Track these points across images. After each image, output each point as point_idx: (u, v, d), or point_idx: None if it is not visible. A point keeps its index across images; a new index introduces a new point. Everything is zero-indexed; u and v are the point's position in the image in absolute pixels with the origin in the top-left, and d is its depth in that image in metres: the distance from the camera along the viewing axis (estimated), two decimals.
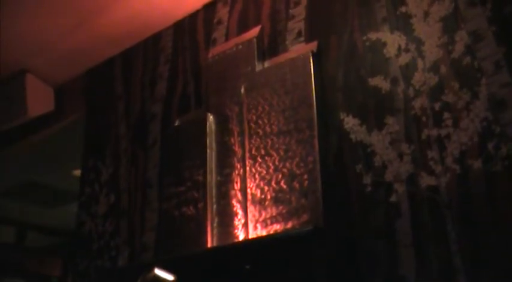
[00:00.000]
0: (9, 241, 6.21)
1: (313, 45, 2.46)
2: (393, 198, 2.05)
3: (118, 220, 3.01)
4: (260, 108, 2.48)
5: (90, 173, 3.31)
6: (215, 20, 2.98)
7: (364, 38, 2.34)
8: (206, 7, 3.06)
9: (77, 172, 3.69)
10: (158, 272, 2.41)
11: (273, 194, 2.32)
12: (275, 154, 2.36)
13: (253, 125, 2.47)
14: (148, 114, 3.11)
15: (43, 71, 3.66)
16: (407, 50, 2.19)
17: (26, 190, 5.35)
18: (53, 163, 4.70)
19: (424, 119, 2.06)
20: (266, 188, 2.34)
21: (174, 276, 2.38)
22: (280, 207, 2.28)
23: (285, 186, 2.29)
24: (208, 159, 2.58)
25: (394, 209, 2.03)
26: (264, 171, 2.37)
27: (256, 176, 2.39)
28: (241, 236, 2.36)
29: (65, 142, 4.13)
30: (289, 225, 2.23)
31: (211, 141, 2.61)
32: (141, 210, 2.92)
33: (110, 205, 3.09)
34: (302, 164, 2.27)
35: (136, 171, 3.04)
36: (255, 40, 2.64)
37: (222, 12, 2.97)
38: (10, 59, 3.53)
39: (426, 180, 1.99)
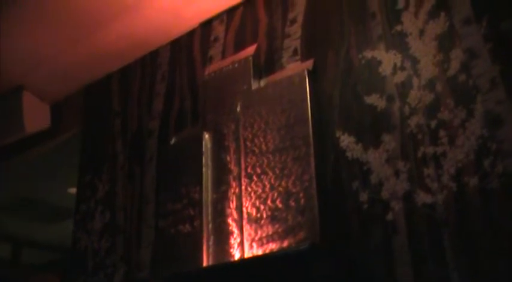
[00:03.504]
0: (4, 257, 6.18)
1: (309, 63, 2.46)
2: (390, 216, 2.04)
3: (114, 237, 3.00)
4: (256, 126, 2.48)
5: (86, 190, 3.30)
6: (212, 38, 2.99)
7: (360, 56, 2.35)
8: (203, 25, 3.07)
9: (73, 190, 3.69)
10: None
11: (269, 213, 2.31)
12: (271, 172, 2.36)
13: (249, 143, 2.47)
14: (145, 130, 3.11)
15: (40, 87, 3.66)
16: (402, 68, 2.20)
17: (22, 206, 5.33)
18: (49, 179, 4.69)
19: (420, 136, 2.07)
20: (262, 206, 2.34)
21: None
22: (276, 226, 2.27)
23: (280, 205, 2.28)
24: (204, 176, 2.57)
25: (391, 227, 2.03)
26: (260, 190, 2.36)
27: (252, 194, 2.38)
28: (237, 255, 2.35)
29: (61, 158, 4.12)
30: (286, 243, 2.22)
31: (207, 159, 2.61)
32: (137, 227, 2.91)
33: (106, 222, 3.08)
34: (298, 182, 2.26)
35: (132, 188, 3.03)
36: (251, 58, 2.65)
37: (219, 29, 2.98)
38: (7, 76, 3.53)
39: (422, 198, 1.99)
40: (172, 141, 2.86)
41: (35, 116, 3.69)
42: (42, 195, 5.06)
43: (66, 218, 5.08)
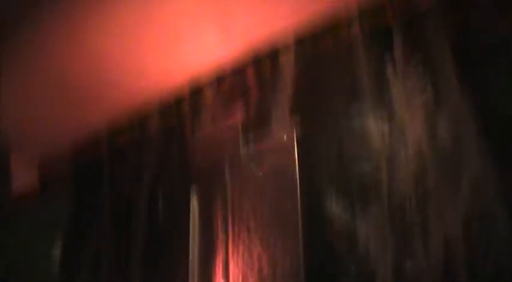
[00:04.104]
0: None
1: (298, 132, 2.48)
2: None
3: None
4: (245, 197, 2.47)
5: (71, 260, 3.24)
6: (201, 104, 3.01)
7: (348, 125, 2.36)
8: (192, 91, 3.09)
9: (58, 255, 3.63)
10: None
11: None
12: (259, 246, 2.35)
13: (237, 213, 2.46)
14: (135, 200, 3.06)
15: (28, 150, 3.65)
16: (391, 136, 2.21)
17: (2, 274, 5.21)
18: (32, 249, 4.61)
19: (408, 206, 2.06)
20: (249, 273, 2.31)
21: None
22: None
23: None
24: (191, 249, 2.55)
25: None
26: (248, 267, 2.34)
27: (240, 269, 2.36)
28: None
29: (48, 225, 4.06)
30: None
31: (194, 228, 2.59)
32: None
33: None
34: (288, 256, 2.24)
35: (118, 264, 2.97)
36: (240, 125, 2.66)
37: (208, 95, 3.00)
38: None
39: (411, 267, 1.97)
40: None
41: (23, 180, 3.67)
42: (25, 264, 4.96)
43: None
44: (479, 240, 1.86)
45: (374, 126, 2.28)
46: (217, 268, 2.43)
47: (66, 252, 3.32)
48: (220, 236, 2.48)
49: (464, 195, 1.94)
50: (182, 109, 3.11)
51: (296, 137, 2.45)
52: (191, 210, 2.62)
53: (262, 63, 2.84)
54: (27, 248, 4.70)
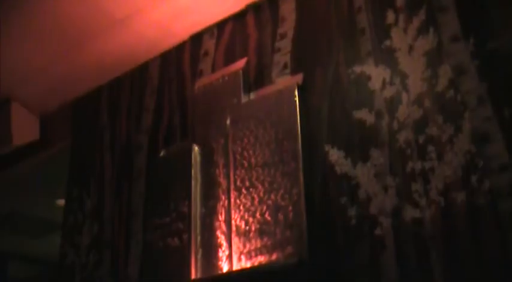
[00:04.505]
0: None
1: (299, 78, 2.47)
2: (378, 231, 2.04)
3: (101, 251, 2.98)
4: (246, 140, 2.48)
5: (74, 203, 3.28)
6: (202, 52, 3.00)
7: (349, 71, 2.36)
8: (193, 39, 3.08)
9: (61, 202, 3.66)
10: None
11: (258, 226, 2.31)
12: (260, 186, 2.36)
13: (238, 157, 2.48)
14: (134, 145, 3.10)
15: (29, 99, 3.65)
16: (392, 83, 2.21)
17: (8, 219, 5.28)
18: (36, 192, 4.66)
19: (408, 151, 2.07)
20: (251, 219, 2.34)
21: None
22: (265, 239, 2.27)
23: (269, 218, 2.29)
24: (193, 190, 2.57)
25: (379, 242, 2.03)
26: (249, 203, 2.37)
27: (241, 207, 2.38)
28: (225, 268, 2.35)
29: (49, 171, 4.09)
30: (274, 257, 2.22)
31: (196, 173, 2.61)
32: (125, 241, 2.89)
33: (94, 236, 3.06)
34: (287, 196, 2.27)
35: (120, 202, 3.02)
36: (241, 72, 2.66)
37: (209, 44, 2.99)
38: None
39: (411, 213, 1.99)
40: (161, 154, 2.86)
41: (24, 128, 3.68)
42: (30, 208, 5.02)
43: (54, 232, 5.04)
44: (479, 186, 1.88)
45: (375, 72, 2.28)
46: (219, 214, 2.45)
47: (68, 199, 3.35)
48: (222, 182, 2.50)
49: (464, 141, 1.95)
50: (182, 56, 3.10)
51: (297, 83, 2.44)
52: (192, 157, 2.63)
53: (262, 10, 2.82)
54: (29, 195, 4.77)
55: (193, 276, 2.41)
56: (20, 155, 3.78)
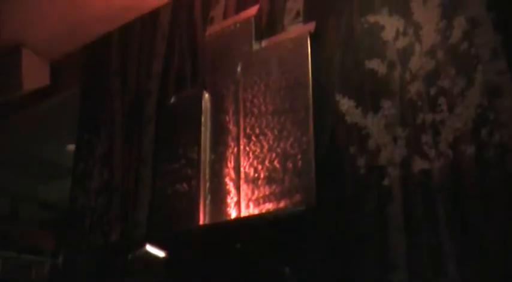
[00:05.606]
0: (2, 213, 6.21)
1: (311, 26, 2.45)
2: (386, 182, 2.05)
3: (111, 196, 3.01)
4: (256, 88, 2.47)
5: (85, 148, 3.30)
6: None
7: (362, 20, 2.33)
8: None
9: (72, 147, 3.69)
10: (150, 248, 2.43)
11: (266, 173, 2.32)
12: (270, 133, 2.37)
13: (248, 104, 2.47)
14: (144, 90, 3.10)
15: (39, 45, 3.65)
16: (405, 34, 2.19)
17: (20, 163, 5.34)
18: (47, 137, 4.69)
19: (419, 103, 2.07)
20: (260, 167, 2.35)
21: (165, 253, 2.40)
22: (273, 187, 2.28)
23: (278, 166, 2.30)
24: (202, 137, 2.58)
25: (387, 193, 2.04)
26: (258, 150, 2.37)
27: (250, 154, 2.39)
28: (233, 214, 2.37)
29: (60, 116, 4.12)
30: (282, 204, 2.24)
31: (206, 119, 2.61)
32: (135, 186, 2.92)
33: (104, 180, 3.10)
34: (296, 144, 2.27)
35: (130, 148, 3.04)
36: (253, 19, 2.63)
37: None
38: (6, 34, 3.52)
39: (419, 164, 2.00)
40: (172, 101, 2.86)
41: (34, 74, 3.69)
42: (41, 152, 5.07)
43: (65, 176, 5.09)
44: (489, 139, 1.87)
45: (389, 22, 2.25)
46: (228, 161, 2.47)
47: (79, 145, 3.37)
48: (232, 129, 2.50)
49: (476, 94, 1.94)
50: (194, 2, 3.06)
51: (309, 31, 2.42)
52: (203, 103, 2.63)
53: None
54: (40, 140, 4.80)
55: (201, 222, 2.44)
56: (30, 99, 3.80)
